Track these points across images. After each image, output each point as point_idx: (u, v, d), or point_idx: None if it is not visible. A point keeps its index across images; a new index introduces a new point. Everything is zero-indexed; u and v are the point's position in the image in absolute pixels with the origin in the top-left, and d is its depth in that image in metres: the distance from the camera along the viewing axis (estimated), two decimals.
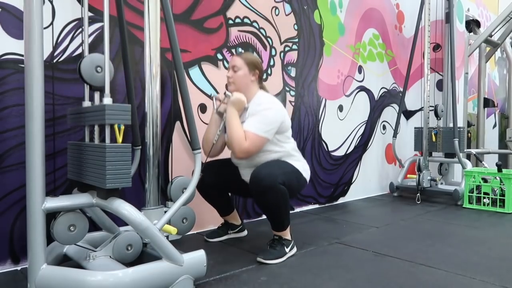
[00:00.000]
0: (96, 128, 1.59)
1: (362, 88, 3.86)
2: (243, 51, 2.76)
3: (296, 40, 3.18)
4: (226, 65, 2.66)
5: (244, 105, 2.05)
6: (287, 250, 2.02)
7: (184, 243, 2.20)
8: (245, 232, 2.45)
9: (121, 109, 1.49)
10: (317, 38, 3.36)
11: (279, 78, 3.05)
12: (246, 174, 2.13)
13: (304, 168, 2.14)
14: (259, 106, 2.03)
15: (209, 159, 2.18)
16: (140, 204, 1.82)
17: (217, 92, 2.60)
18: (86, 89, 1.71)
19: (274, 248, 2.00)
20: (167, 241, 1.55)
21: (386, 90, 4.17)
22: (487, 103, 5.48)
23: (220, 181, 2.20)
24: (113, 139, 1.49)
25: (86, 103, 1.69)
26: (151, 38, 1.81)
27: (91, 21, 2.03)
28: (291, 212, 3.11)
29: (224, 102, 2.10)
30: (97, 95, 1.62)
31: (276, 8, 3.01)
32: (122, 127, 1.49)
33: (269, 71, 2.97)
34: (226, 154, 2.27)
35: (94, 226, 1.88)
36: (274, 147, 2.06)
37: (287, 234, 2.07)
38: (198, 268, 1.61)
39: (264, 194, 1.90)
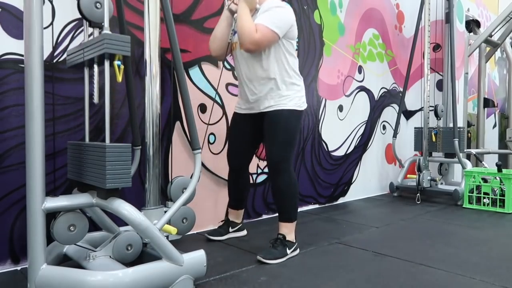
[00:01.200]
0: (96, 68, 1.58)
1: (362, 88, 3.86)
2: None
3: (296, 40, 3.17)
4: (226, 65, 2.66)
5: (255, 4, 2.04)
6: (288, 251, 2.02)
7: (184, 243, 2.20)
8: (245, 232, 2.45)
9: (120, 39, 1.46)
10: (317, 38, 3.36)
11: None
12: (249, 100, 2.14)
13: (300, 100, 2.12)
14: (271, 4, 2.03)
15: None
16: (140, 204, 1.83)
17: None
18: (86, 25, 1.70)
19: (276, 248, 2.00)
20: (167, 241, 1.55)
21: (386, 90, 4.17)
22: (487, 103, 5.49)
23: (244, 155, 2.30)
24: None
25: (85, 41, 1.68)
26: (151, 38, 1.81)
27: None
28: None
29: (235, 2, 2.09)
30: (96, 31, 1.62)
31: None
32: (122, 67, 1.48)
33: None
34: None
35: (94, 226, 1.88)
36: (279, 58, 2.05)
37: (291, 234, 2.07)
38: (198, 268, 1.61)
39: (278, 176, 2.03)
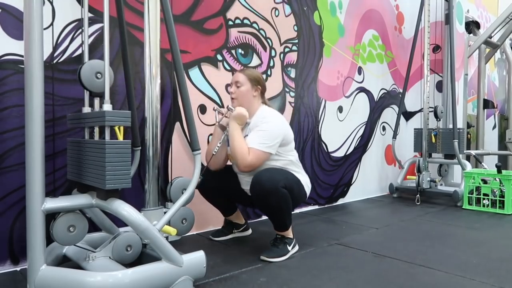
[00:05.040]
0: (96, 129, 1.59)
1: (362, 89, 3.86)
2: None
3: (296, 41, 3.18)
4: (226, 66, 2.67)
5: (246, 120, 2.06)
6: (289, 248, 2.05)
7: (184, 244, 2.20)
8: (250, 231, 2.47)
9: (121, 115, 1.49)
10: (317, 39, 3.36)
11: (279, 79, 3.06)
12: (246, 184, 2.14)
13: (305, 181, 2.15)
14: (261, 120, 2.04)
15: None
16: (139, 205, 1.82)
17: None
18: (86, 95, 1.71)
19: (277, 247, 2.03)
20: (166, 242, 1.55)
21: (385, 91, 4.18)
22: (487, 104, 5.48)
23: (222, 185, 2.21)
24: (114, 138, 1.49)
25: (86, 109, 1.70)
26: (151, 39, 1.81)
27: (91, 22, 2.03)
28: None
29: (226, 116, 2.12)
30: (97, 101, 1.62)
31: (276, 9, 3.01)
32: (122, 128, 1.49)
33: (269, 72, 2.97)
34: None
35: (93, 227, 1.88)
36: (276, 158, 2.07)
37: (289, 233, 2.09)
38: (197, 269, 1.61)
39: (266, 198, 1.92)
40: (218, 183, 2.20)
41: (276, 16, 3.01)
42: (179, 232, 1.79)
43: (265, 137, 1.98)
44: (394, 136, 4.02)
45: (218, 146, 2.12)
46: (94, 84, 1.57)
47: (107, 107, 1.50)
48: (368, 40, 3.91)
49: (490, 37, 5.08)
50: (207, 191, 2.23)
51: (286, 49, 3.10)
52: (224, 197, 2.28)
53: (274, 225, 2.07)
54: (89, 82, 1.57)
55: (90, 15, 2.02)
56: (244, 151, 1.95)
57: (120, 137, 1.48)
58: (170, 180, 2.17)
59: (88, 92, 1.67)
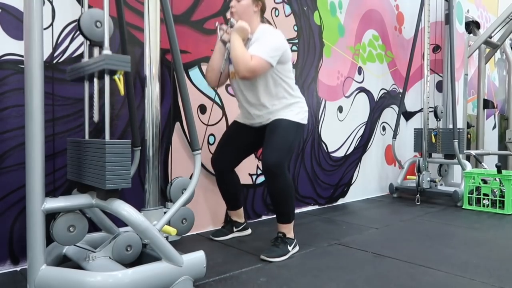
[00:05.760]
0: (96, 81, 1.58)
1: (362, 89, 3.86)
2: None
3: (296, 41, 3.18)
4: None
5: (247, 34, 2.06)
6: (290, 248, 2.06)
7: (184, 244, 2.20)
8: (249, 231, 2.47)
9: (121, 59, 1.47)
10: (317, 39, 3.36)
11: None
12: (252, 116, 2.20)
13: (302, 114, 2.17)
14: (263, 34, 2.06)
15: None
16: (139, 205, 1.82)
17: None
18: (86, 45, 1.70)
19: (277, 247, 2.04)
20: (166, 242, 1.55)
21: (385, 91, 4.17)
22: (487, 104, 5.48)
23: (233, 157, 2.29)
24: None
25: (85, 60, 1.69)
26: (151, 39, 1.81)
27: None
28: None
29: (227, 32, 2.12)
30: (96, 50, 1.62)
31: (276, 9, 3.01)
32: (122, 78, 1.48)
33: None
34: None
35: (93, 227, 1.88)
36: (277, 80, 2.09)
37: (290, 232, 2.10)
38: (197, 269, 1.61)
39: (273, 180, 2.01)
40: (228, 162, 2.29)
41: (276, 16, 3.01)
42: (179, 232, 1.79)
43: (267, 47, 2.00)
44: (394, 136, 4.02)
45: (223, 63, 2.16)
46: (94, 32, 1.57)
47: (107, 52, 1.49)
48: (368, 40, 3.91)
49: (490, 37, 5.08)
50: (220, 176, 2.30)
51: None
52: (236, 183, 2.35)
53: (277, 216, 2.10)
54: (89, 31, 1.56)
55: None
56: (246, 56, 1.96)
57: (121, 87, 1.47)
58: (170, 180, 2.17)
59: (88, 41, 1.66)
